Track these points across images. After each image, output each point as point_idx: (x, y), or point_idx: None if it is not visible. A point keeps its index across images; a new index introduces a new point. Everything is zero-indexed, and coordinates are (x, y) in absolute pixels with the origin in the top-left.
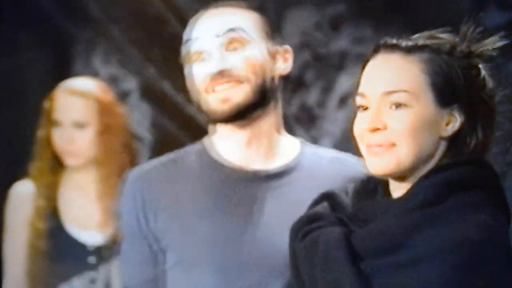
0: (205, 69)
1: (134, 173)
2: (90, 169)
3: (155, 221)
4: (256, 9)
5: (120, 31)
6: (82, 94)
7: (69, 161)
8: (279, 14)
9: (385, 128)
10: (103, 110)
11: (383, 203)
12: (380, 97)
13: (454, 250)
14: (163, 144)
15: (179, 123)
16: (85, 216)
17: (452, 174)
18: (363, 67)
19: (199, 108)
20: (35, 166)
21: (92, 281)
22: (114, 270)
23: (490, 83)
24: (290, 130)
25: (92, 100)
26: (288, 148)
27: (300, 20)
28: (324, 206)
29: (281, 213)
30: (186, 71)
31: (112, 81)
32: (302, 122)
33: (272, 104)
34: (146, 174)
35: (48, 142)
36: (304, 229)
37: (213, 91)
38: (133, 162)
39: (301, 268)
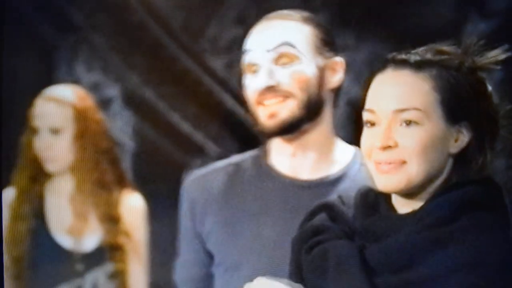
0: (255, 82)
1: (191, 176)
2: (70, 175)
3: (204, 224)
4: (311, 20)
5: (103, 38)
6: (57, 101)
7: (48, 166)
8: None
9: (396, 146)
10: (79, 116)
11: (394, 219)
12: (391, 115)
13: (469, 270)
14: (146, 151)
15: (162, 130)
16: (70, 223)
17: (465, 193)
18: (369, 82)
19: (253, 118)
20: (16, 173)
21: (79, 287)
22: (101, 277)
23: (496, 99)
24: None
25: (67, 107)
26: (339, 158)
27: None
28: (323, 218)
29: None
30: (243, 80)
31: (95, 88)
32: None
33: (320, 118)
34: (201, 177)
35: (30, 148)
36: (310, 241)
37: (262, 104)
38: (114, 168)
39: (309, 280)
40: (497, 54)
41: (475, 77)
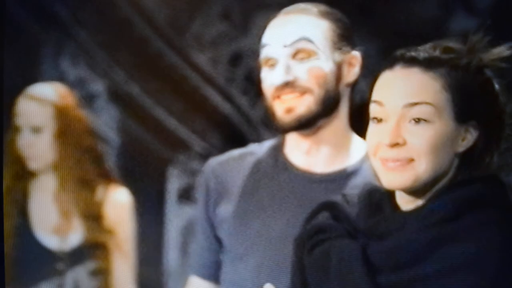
0: (272, 77)
1: (209, 163)
2: (52, 173)
3: (216, 211)
4: (329, 15)
5: (88, 34)
6: (39, 100)
7: (31, 165)
8: (245, 17)
9: (404, 143)
10: (60, 114)
11: (398, 217)
12: (401, 110)
13: (472, 268)
14: (131, 146)
15: (147, 126)
16: (53, 221)
17: (470, 191)
18: (375, 80)
19: (269, 113)
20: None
21: (60, 286)
22: (82, 274)
23: (503, 98)
24: (257, 134)
25: (48, 105)
26: (353, 153)
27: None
28: (325, 217)
29: None
30: (261, 74)
31: (80, 83)
32: (269, 126)
33: (336, 113)
34: (218, 165)
35: (13, 146)
36: (312, 240)
37: (279, 99)
38: (97, 165)
39: (311, 280)
40: (502, 51)
41: (483, 76)
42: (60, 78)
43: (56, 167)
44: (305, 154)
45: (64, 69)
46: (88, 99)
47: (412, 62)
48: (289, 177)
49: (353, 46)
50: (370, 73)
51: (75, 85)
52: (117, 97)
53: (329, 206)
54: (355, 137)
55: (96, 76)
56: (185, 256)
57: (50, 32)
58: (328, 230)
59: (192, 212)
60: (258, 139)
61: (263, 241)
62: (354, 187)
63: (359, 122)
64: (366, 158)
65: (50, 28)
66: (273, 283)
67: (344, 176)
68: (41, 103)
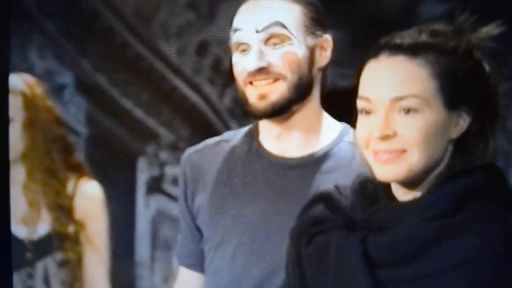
0: (244, 63)
1: (187, 151)
2: (22, 164)
3: (194, 200)
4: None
5: (55, 25)
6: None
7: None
8: (212, 6)
9: (395, 135)
10: (29, 104)
11: (396, 208)
12: (389, 103)
13: (476, 262)
14: (99, 137)
15: (115, 117)
16: (21, 211)
17: (469, 182)
18: (361, 69)
19: (242, 98)
20: None
21: (30, 276)
22: (51, 265)
23: (494, 80)
24: (225, 124)
25: (17, 96)
26: (325, 136)
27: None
28: (320, 208)
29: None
30: (232, 59)
31: (48, 75)
32: (235, 116)
33: (309, 97)
34: (195, 153)
35: None
36: (309, 232)
37: (252, 84)
38: (66, 156)
39: (308, 273)
40: (491, 30)
41: (472, 58)
42: (28, 69)
43: (26, 157)
44: (275, 139)
45: (32, 61)
46: (55, 91)
47: (397, 49)
48: (262, 163)
49: (325, 30)
50: (340, 59)
51: (43, 76)
52: (85, 88)
53: (323, 198)
54: (328, 119)
55: (63, 67)
56: (156, 247)
57: (18, 23)
58: (326, 222)
59: (161, 203)
60: (226, 129)
61: (238, 229)
62: (327, 171)
63: (334, 105)
64: (337, 141)
65: (18, 19)
66: (248, 271)
67: (316, 159)
68: (10, 94)
